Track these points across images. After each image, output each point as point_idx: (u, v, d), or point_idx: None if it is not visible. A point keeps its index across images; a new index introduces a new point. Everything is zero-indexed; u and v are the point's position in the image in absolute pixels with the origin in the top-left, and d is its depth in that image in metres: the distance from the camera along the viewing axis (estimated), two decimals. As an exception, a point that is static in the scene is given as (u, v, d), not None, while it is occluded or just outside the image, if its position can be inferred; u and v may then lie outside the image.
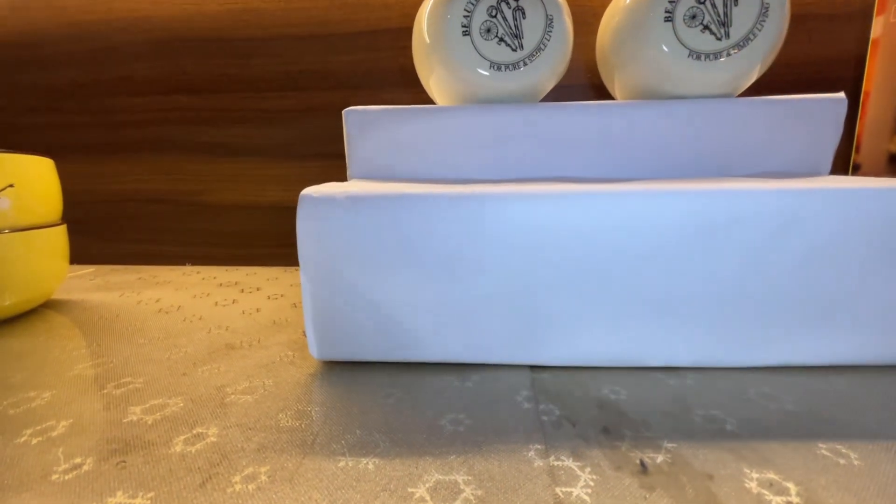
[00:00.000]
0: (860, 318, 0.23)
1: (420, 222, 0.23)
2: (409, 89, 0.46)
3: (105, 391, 0.23)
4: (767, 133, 0.33)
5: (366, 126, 0.35)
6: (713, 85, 0.32)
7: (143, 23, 0.48)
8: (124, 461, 0.17)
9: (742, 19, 0.30)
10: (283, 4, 0.46)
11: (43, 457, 0.18)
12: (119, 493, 0.16)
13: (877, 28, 0.41)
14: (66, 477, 0.17)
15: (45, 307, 0.37)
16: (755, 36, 0.30)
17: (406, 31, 0.44)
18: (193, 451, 0.18)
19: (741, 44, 0.30)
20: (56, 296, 0.41)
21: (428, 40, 0.33)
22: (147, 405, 0.22)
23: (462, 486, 0.16)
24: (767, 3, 0.29)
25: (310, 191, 0.23)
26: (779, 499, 0.15)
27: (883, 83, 0.41)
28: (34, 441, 0.19)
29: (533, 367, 0.24)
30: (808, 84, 0.43)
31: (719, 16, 0.30)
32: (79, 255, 0.54)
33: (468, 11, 0.32)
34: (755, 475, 0.16)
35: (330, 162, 0.49)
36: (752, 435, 0.18)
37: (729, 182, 0.24)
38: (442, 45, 0.32)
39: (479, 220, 0.22)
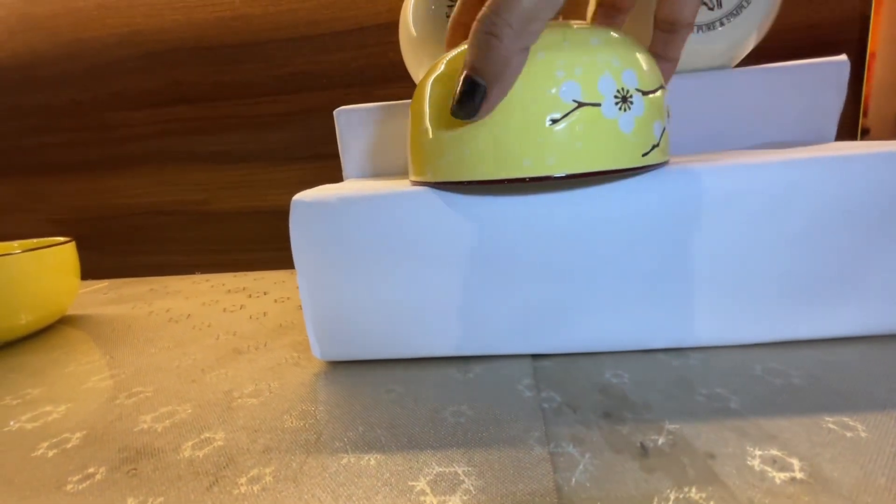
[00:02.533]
0: (868, 288, 0.22)
1: (414, 219, 0.22)
2: (401, 84, 0.46)
3: (117, 402, 0.24)
4: (768, 102, 0.32)
5: (357, 125, 0.35)
6: (708, 57, 0.31)
7: (136, 37, 0.48)
8: (135, 469, 0.18)
9: (733, -13, 0.29)
10: (271, 9, 0.46)
11: (58, 468, 0.18)
12: (130, 500, 0.16)
13: None
14: (80, 487, 0.17)
15: (61, 323, 0.39)
16: (749, 3, 0.29)
17: (395, 26, 0.44)
18: (201, 455, 0.18)
19: (735, 12, 0.29)
20: (71, 311, 0.42)
21: (414, 33, 0.33)
22: (157, 413, 0.22)
23: (462, 478, 0.16)
24: (759, -30, 0.29)
25: (302, 195, 0.24)
26: (782, 475, 0.15)
27: (889, 43, 0.39)
28: (50, 454, 0.20)
29: (535, 356, 0.24)
30: (811, 48, 0.42)
31: (710, -15, 0.29)
32: (93, 271, 0.55)
33: (452, 2, 0.31)
34: (758, 452, 0.16)
35: (328, 162, 0.49)
36: (757, 411, 0.18)
37: (725, 157, 0.24)
38: (428, 38, 0.32)
39: (474, 213, 0.22)
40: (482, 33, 0.17)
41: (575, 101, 0.18)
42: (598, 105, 0.18)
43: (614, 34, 0.20)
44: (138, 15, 0.48)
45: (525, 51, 0.18)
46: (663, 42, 0.22)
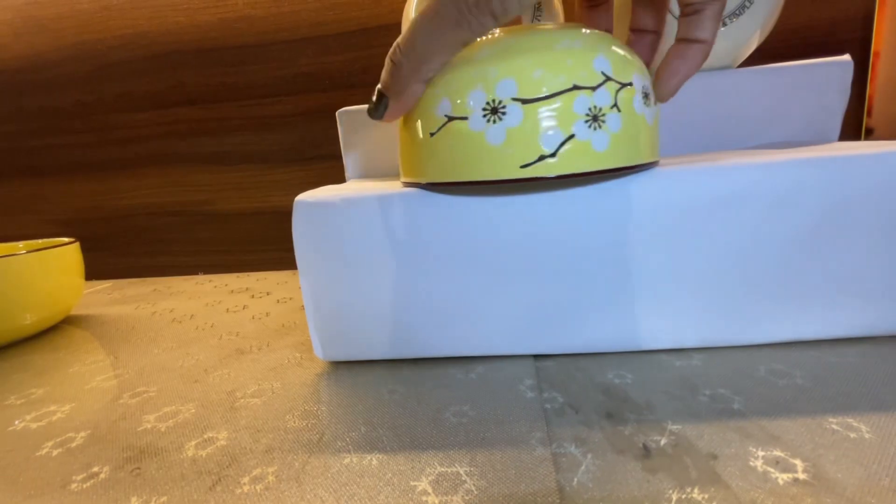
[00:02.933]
0: (872, 289, 0.22)
1: (415, 220, 0.23)
2: (403, 85, 0.46)
3: (121, 401, 0.24)
4: (771, 102, 0.32)
5: (359, 126, 0.35)
6: (712, 56, 0.31)
7: (140, 38, 0.49)
8: (139, 468, 0.18)
9: (735, -10, 0.29)
10: (275, 10, 0.46)
11: (62, 468, 0.19)
12: (133, 499, 0.16)
13: None
14: (84, 486, 0.17)
15: (65, 323, 0.39)
16: (752, 2, 0.29)
17: (398, 27, 0.44)
18: (204, 454, 0.18)
19: (738, 11, 0.29)
20: (75, 311, 0.42)
21: (416, 34, 0.33)
22: (160, 413, 0.22)
23: (464, 478, 0.16)
24: (760, -29, 0.28)
25: (304, 196, 0.24)
26: (785, 476, 0.15)
27: (893, 42, 0.39)
28: (55, 453, 0.20)
29: (537, 357, 0.24)
30: (815, 48, 0.42)
31: (712, -15, 0.29)
32: (96, 271, 0.56)
33: (454, 2, 0.31)
34: (761, 453, 0.16)
35: (331, 163, 0.49)
36: (760, 412, 0.18)
37: (728, 157, 0.24)
38: (430, 38, 0.32)
39: (476, 214, 0.22)
40: (389, 58, 0.20)
41: (446, 115, 0.20)
42: (465, 119, 0.19)
43: (524, 38, 0.19)
44: (142, 17, 0.48)
45: (422, 82, 0.20)
46: (687, 25, 0.21)
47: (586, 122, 0.19)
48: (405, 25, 0.34)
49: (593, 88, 0.19)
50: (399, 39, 0.19)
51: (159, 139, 0.51)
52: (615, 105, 0.19)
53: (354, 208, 0.23)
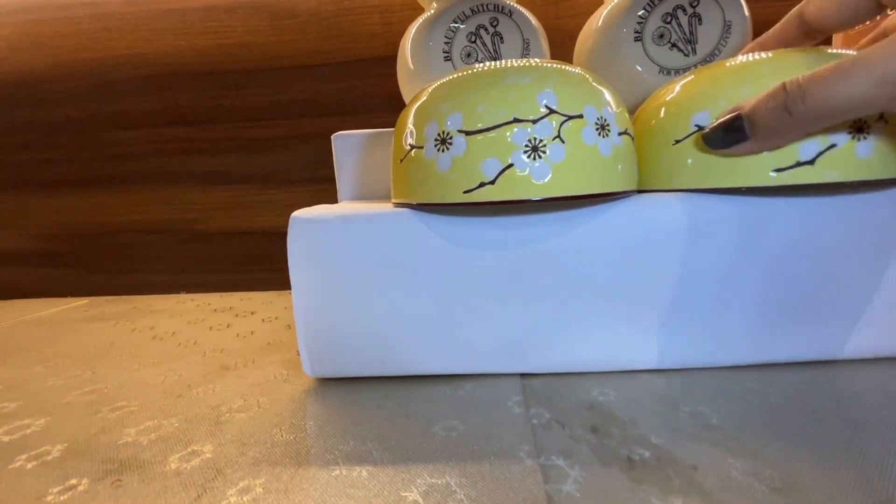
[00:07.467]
0: (842, 313, 0.23)
1: (409, 239, 0.23)
2: (396, 114, 0.47)
3: (100, 415, 0.23)
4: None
5: (354, 149, 0.36)
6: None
7: (137, 59, 0.50)
8: (119, 480, 0.18)
9: (707, 36, 0.31)
10: (273, 38, 0.48)
11: (38, 481, 0.18)
12: (114, 511, 0.16)
13: (837, 40, 0.43)
14: (61, 498, 0.17)
15: (39, 337, 0.38)
16: (720, 52, 0.32)
17: (392, 59, 0.46)
18: (188, 467, 0.18)
19: (707, 59, 0.32)
20: (51, 327, 0.41)
21: (412, 67, 0.35)
22: (142, 427, 0.22)
23: (454, 488, 0.16)
24: (729, 22, 0.31)
25: (300, 213, 0.24)
26: (762, 486, 0.15)
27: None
28: (29, 466, 0.19)
29: (524, 375, 0.25)
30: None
31: (685, 34, 0.32)
32: (74, 288, 0.54)
33: (448, 38, 0.33)
34: (739, 465, 0.16)
35: (321, 186, 0.50)
36: (737, 428, 0.19)
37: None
38: (425, 71, 0.34)
39: (464, 235, 0.23)
40: (782, 104, 0.18)
41: (410, 145, 0.22)
42: (422, 147, 0.22)
43: (478, 76, 0.21)
44: (141, 39, 0.49)
45: (800, 136, 0.19)
46: None
47: (525, 152, 0.20)
48: (401, 58, 0.36)
49: (534, 121, 0.20)
50: (804, 88, 0.17)
51: (150, 157, 0.52)
52: (558, 136, 0.20)
53: (349, 226, 0.23)
